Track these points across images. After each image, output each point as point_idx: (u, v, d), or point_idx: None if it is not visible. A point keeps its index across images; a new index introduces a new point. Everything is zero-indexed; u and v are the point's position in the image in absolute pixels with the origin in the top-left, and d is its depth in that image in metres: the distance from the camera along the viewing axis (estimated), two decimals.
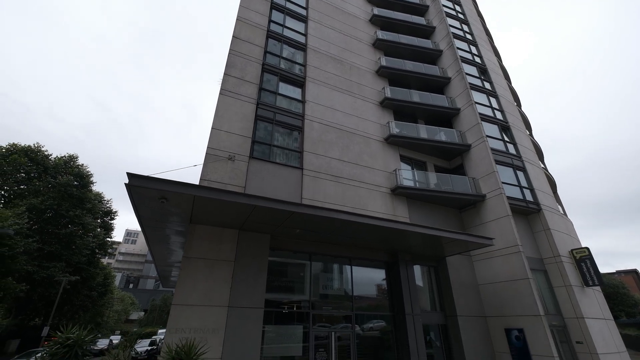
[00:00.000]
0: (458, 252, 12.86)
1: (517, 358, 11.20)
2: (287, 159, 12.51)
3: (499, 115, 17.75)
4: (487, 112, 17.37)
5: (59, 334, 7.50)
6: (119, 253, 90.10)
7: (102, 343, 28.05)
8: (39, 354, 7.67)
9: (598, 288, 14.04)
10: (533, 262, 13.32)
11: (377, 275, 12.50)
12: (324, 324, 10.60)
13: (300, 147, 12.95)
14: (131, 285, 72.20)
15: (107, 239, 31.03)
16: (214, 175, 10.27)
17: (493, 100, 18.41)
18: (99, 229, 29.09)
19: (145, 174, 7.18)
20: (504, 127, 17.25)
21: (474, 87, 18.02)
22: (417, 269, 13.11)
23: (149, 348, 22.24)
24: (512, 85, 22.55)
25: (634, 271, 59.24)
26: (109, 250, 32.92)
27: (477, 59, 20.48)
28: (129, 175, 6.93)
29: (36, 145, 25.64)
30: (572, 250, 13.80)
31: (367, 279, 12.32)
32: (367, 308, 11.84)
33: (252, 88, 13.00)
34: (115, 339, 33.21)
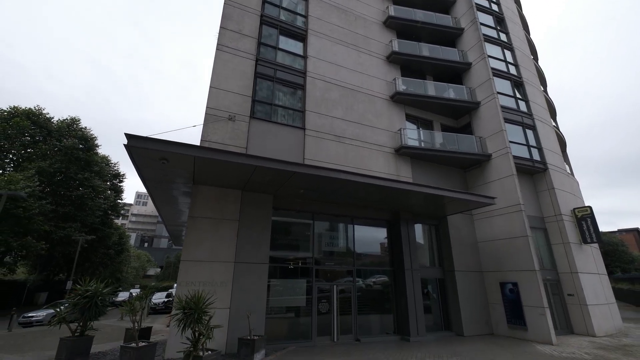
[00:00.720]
0: (460, 211, 13.00)
1: (508, 308, 11.85)
2: (288, 119, 12.21)
3: (513, 70, 16.74)
4: (501, 66, 16.36)
5: (78, 287, 8.05)
6: (132, 214, 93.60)
7: (123, 295, 30.31)
8: (64, 305, 8.29)
9: (596, 245, 14.32)
10: (534, 220, 13.46)
11: (379, 234, 12.85)
12: (328, 280, 11.18)
13: (302, 107, 12.56)
14: (146, 244, 76.08)
15: (118, 200, 31.97)
16: (214, 136, 10.15)
17: (508, 53, 17.24)
18: (109, 192, 29.86)
19: (145, 135, 7.11)
20: (517, 83, 16.36)
21: (489, 39, 16.78)
22: (418, 228, 13.40)
23: (166, 300, 24.06)
24: (531, 36, 20.94)
25: (635, 230, 60.11)
26: (121, 212, 34.10)
27: (495, 7, 18.81)
28: (127, 136, 6.86)
29: (37, 107, 25.36)
30: (574, 209, 13.84)
31: (369, 237, 12.69)
32: (369, 264, 12.36)
33: (250, 42, 12.29)
34: (136, 292, 35.82)
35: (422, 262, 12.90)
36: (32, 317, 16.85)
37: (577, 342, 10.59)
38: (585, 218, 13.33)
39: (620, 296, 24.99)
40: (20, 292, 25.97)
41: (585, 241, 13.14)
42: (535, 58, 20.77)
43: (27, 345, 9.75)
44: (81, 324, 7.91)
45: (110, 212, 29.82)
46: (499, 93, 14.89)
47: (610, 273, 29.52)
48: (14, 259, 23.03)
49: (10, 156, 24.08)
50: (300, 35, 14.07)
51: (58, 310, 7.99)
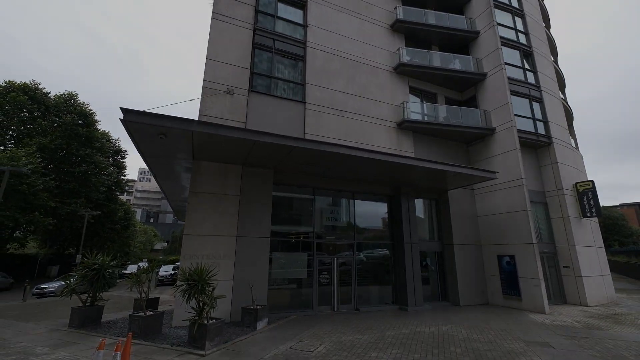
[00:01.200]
0: (461, 185, 12.98)
1: (505, 279, 12.16)
2: (289, 92, 11.90)
3: (522, 38, 15.97)
4: (510, 35, 15.59)
5: (86, 260, 8.29)
6: (136, 190, 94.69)
7: (132, 268, 31.40)
8: (74, 277, 8.57)
9: (595, 219, 14.39)
10: (535, 194, 13.46)
11: (380, 208, 12.95)
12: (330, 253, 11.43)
13: (302, 79, 12.19)
14: (152, 220, 77.56)
15: (121, 176, 32.17)
16: (212, 110, 9.96)
17: (519, 20, 16.36)
18: (111, 168, 29.96)
19: (142, 109, 6.97)
20: (527, 53, 15.67)
21: (499, 5, 15.85)
22: (418, 202, 13.46)
23: (173, 272, 24.90)
24: (543, 1, 19.76)
25: (637, 204, 60.25)
26: (125, 188, 34.41)
27: None
28: (123, 110, 6.73)
29: (32, 82, 24.83)
30: (576, 183, 13.76)
31: (370, 211, 12.80)
32: (370, 238, 12.57)
33: (247, 10, 11.71)
34: (144, 265, 37.02)
35: (421, 235, 13.09)
36: (45, 288, 17.57)
37: (569, 311, 10.95)
38: (586, 192, 13.29)
39: (616, 268, 25.56)
40: (33, 265, 26.93)
41: (584, 215, 13.20)
42: (547, 26, 19.74)
43: (41, 315, 10.24)
44: (91, 294, 8.24)
45: (114, 188, 30.11)
46: (506, 64, 14.32)
47: (608, 246, 29.97)
48: (23, 234, 23.63)
49: (10, 132, 23.96)
50: (300, 2, 13.35)
51: (68, 282, 8.27)
